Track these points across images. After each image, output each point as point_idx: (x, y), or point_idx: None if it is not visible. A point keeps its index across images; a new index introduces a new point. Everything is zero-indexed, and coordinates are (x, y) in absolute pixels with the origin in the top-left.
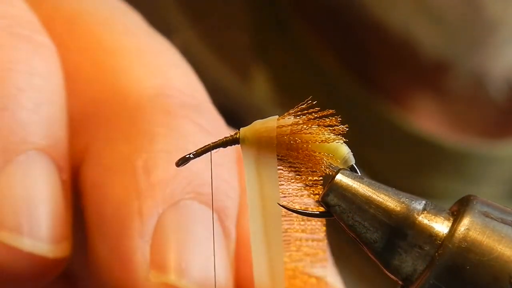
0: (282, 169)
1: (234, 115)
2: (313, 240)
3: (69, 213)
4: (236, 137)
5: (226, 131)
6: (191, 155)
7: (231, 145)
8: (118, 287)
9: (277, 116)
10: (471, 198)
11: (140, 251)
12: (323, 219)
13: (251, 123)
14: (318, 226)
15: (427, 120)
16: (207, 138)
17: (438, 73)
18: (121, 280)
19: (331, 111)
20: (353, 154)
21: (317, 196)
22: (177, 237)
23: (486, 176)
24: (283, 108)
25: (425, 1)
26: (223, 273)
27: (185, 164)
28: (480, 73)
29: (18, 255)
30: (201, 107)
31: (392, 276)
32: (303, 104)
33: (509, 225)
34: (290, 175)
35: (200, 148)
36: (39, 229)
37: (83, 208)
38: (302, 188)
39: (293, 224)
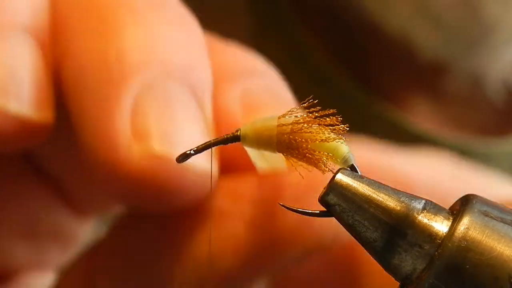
0: None
1: None
2: None
3: (50, 86)
4: (237, 134)
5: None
6: (192, 151)
7: (231, 142)
8: (102, 162)
9: (278, 115)
10: (471, 197)
11: (121, 122)
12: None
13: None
14: None
15: (424, 120)
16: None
17: (436, 74)
18: (104, 152)
19: (332, 110)
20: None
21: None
22: (156, 109)
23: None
24: None
25: (423, 3)
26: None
27: (185, 160)
28: (478, 75)
29: (5, 117)
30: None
31: (391, 275)
32: (304, 103)
33: (509, 224)
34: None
35: (201, 145)
36: (25, 94)
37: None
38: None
39: None
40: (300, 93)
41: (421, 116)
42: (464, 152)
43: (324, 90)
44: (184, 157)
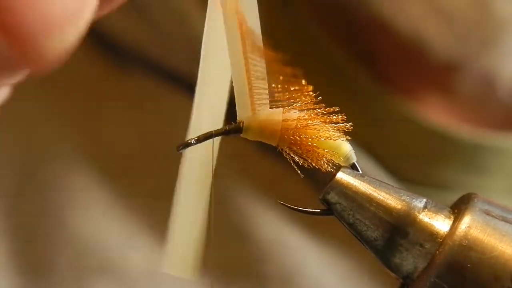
0: None
1: None
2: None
3: None
4: (239, 126)
5: None
6: (193, 141)
7: (233, 134)
8: None
9: (282, 109)
10: (472, 196)
11: None
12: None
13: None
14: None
15: (437, 115)
16: None
17: (448, 73)
18: None
19: (336, 108)
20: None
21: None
22: None
23: (498, 168)
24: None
25: (435, 1)
26: None
27: (185, 149)
28: (490, 74)
29: None
30: None
31: (393, 274)
32: (310, 99)
33: (510, 223)
34: None
35: (203, 134)
36: None
37: None
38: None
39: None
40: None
41: (434, 110)
42: (478, 147)
43: (336, 83)
44: (185, 146)
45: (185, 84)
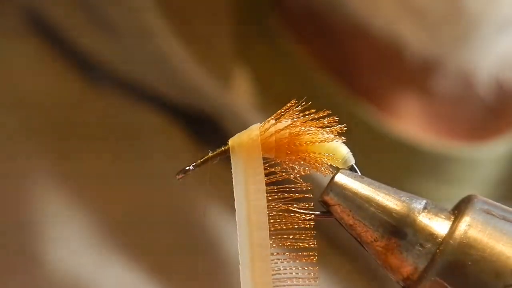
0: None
1: (214, 120)
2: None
3: None
4: (226, 148)
5: None
6: (191, 167)
7: (228, 155)
8: None
9: (259, 124)
10: (472, 197)
11: None
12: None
13: (231, 128)
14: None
15: (412, 124)
16: None
17: (425, 72)
18: None
19: (327, 111)
20: None
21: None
22: None
23: (469, 179)
24: (265, 113)
25: (407, 1)
26: None
27: (184, 175)
28: (468, 71)
29: None
30: None
31: (393, 275)
32: (298, 106)
33: (511, 222)
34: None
35: (199, 160)
36: None
37: None
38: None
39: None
40: (283, 97)
41: (408, 118)
42: (449, 159)
43: (308, 93)
44: (184, 172)
45: (154, 101)
